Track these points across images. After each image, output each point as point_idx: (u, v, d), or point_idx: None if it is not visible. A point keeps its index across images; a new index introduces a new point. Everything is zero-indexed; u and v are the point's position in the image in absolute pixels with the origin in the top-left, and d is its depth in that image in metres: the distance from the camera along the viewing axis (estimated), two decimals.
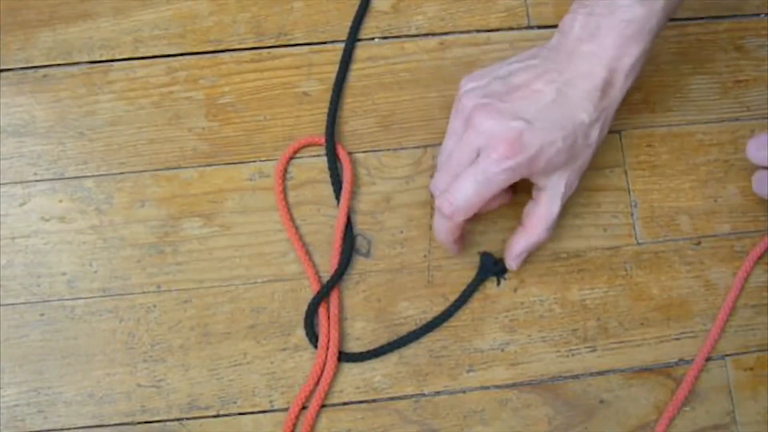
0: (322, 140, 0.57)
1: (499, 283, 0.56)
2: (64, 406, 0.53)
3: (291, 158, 0.57)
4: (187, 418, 0.53)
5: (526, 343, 0.55)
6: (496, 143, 0.47)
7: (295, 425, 0.53)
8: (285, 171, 0.57)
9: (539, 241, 0.52)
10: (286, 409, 0.53)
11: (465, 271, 0.56)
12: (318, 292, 0.54)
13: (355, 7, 0.60)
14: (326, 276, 0.55)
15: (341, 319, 0.55)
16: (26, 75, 0.58)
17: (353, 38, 0.59)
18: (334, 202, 0.56)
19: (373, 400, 0.54)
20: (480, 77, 0.51)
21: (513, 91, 0.49)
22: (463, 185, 0.48)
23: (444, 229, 0.51)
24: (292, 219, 0.56)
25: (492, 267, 0.55)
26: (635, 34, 0.48)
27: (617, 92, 0.50)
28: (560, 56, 0.50)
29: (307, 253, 0.55)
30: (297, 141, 0.57)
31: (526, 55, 0.52)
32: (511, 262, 0.54)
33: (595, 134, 0.50)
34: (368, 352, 0.54)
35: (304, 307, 0.54)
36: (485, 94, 0.50)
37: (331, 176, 0.56)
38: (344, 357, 0.54)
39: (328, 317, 0.54)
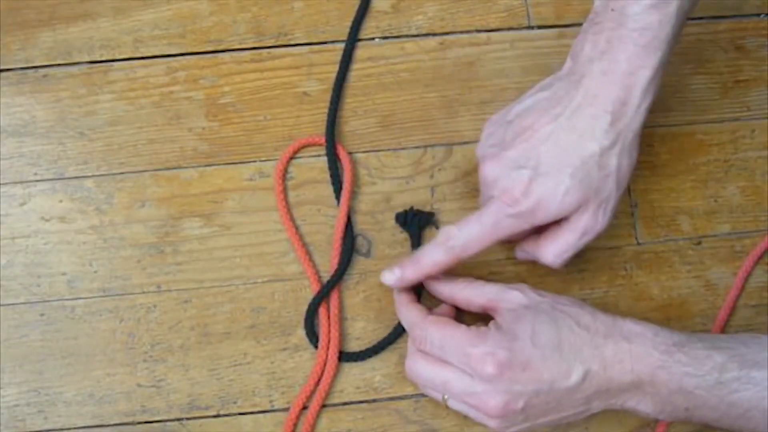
0: (322, 140, 0.57)
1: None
2: (64, 406, 0.53)
3: (291, 158, 0.57)
4: (188, 418, 0.53)
5: None
6: (502, 193, 0.48)
7: (295, 425, 0.53)
8: (285, 171, 0.57)
9: (545, 262, 0.51)
10: (286, 409, 0.53)
11: (465, 271, 0.56)
12: (318, 292, 0.54)
13: (355, 7, 0.60)
14: (326, 276, 0.55)
15: (341, 319, 0.55)
16: (26, 75, 0.58)
17: (353, 38, 0.59)
18: (334, 202, 0.56)
19: (374, 400, 0.54)
20: (495, 122, 0.51)
21: (517, 135, 0.48)
22: (470, 223, 0.49)
23: (431, 260, 0.50)
24: (292, 219, 0.56)
25: (413, 220, 0.55)
26: (650, 43, 0.45)
27: (633, 111, 0.46)
28: (570, 83, 0.47)
29: (307, 253, 0.55)
30: (297, 141, 0.57)
31: (540, 86, 0.50)
32: (518, 253, 0.54)
33: (613, 161, 0.47)
34: (368, 349, 0.54)
35: (304, 307, 0.54)
36: (491, 144, 0.50)
37: (331, 176, 0.56)
38: (344, 357, 0.54)
39: (329, 317, 0.54)
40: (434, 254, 0.50)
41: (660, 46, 0.46)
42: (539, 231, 0.51)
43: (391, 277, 0.51)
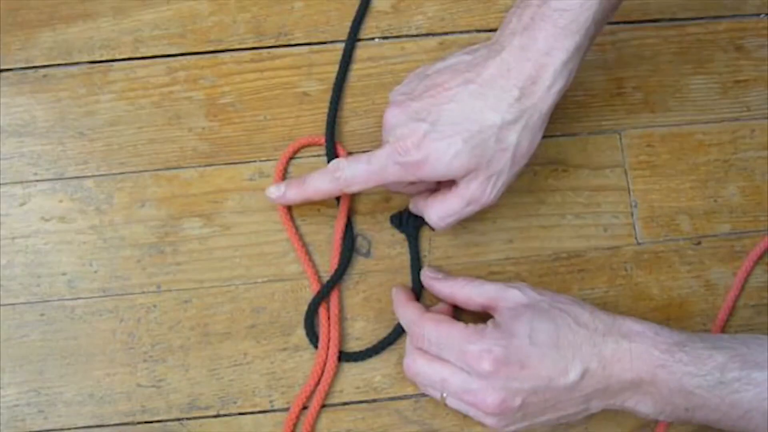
0: (322, 140, 0.57)
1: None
2: (64, 406, 0.53)
3: (291, 158, 0.57)
4: (187, 418, 0.53)
5: None
6: (395, 141, 0.48)
7: (295, 425, 0.53)
8: (285, 171, 0.56)
9: (429, 221, 0.51)
10: (286, 409, 0.53)
11: (465, 271, 0.56)
12: (318, 292, 0.54)
13: (355, 7, 0.60)
14: (326, 276, 0.55)
15: (341, 319, 0.55)
16: (26, 75, 0.58)
17: (353, 38, 0.59)
18: (334, 201, 0.56)
19: (374, 400, 0.54)
20: (419, 73, 0.52)
21: (427, 89, 0.49)
22: (360, 161, 0.50)
23: (315, 186, 0.51)
24: (292, 219, 0.56)
25: (408, 221, 0.55)
26: (568, 25, 0.45)
27: (543, 92, 0.46)
28: (490, 52, 0.47)
29: (307, 253, 0.55)
30: (297, 141, 0.57)
31: (468, 49, 0.50)
32: (411, 206, 0.55)
33: (512, 137, 0.47)
34: (368, 349, 0.54)
35: (304, 307, 0.54)
36: (402, 92, 0.50)
37: None
38: (344, 357, 0.54)
39: (329, 317, 0.54)
40: (320, 181, 0.51)
41: (578, 30, 0.45)
42: (435, 190, 0.52)
43: (275, 191, 0.53)
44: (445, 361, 0.48)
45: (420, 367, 0.49)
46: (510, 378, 0.46)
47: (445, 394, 0.49)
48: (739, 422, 0.45)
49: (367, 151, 0.50)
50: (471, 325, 0.48)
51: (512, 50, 0.46)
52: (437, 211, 0.50)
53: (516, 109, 0.46)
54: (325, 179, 0.51)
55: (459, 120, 0.47)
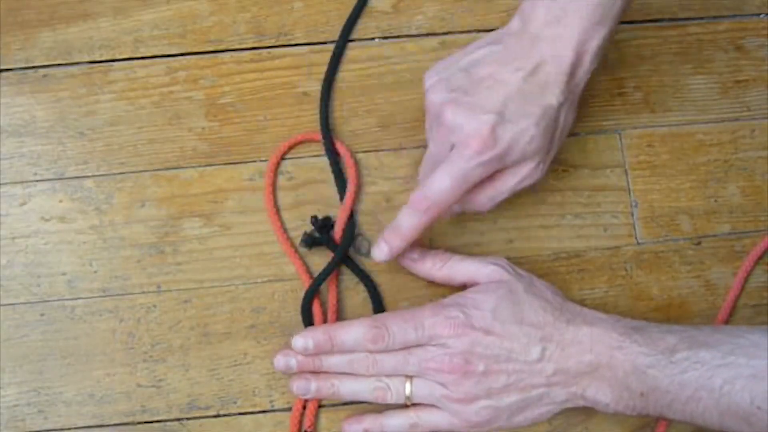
0: (318, 136, 0.57)
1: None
2: (64, 406, 0.53)
3: (284, 155, 0.57)
4: (187, 418, 0.53)
5: None
6: (469, 139, 0.48)
7: (300, 423, 0.53)
8: (277, 167, 0.56)
9: (475, 208, 0.52)
10: (286, 409, 0.53)
11: None
12: (310, 285, 0.53)
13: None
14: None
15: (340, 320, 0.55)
16: (26, 75, 0.58)
17: (345, 36, 0.59)
18: (336, 201, 0.56)
19: None
20: (443, 69, 0.52)
21: (478, 82, 0.49)
22: (438, 180, 0.49)
23: (411, 225, 0.50)
24: (278, 214, 0.55)
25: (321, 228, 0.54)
26: (601, 18, 0.48)
27: (584, 74, 0.50)
28: (524, 41, 0.49)
29: (293, 246, 0.55)
30: (293, 138, 0.57)
31: (488, 40, 0.51)
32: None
33: (563, 117, 0.50)
34: None
35: None
36: (450, 89, 0.50)
37: (333, 170, 0.56)
38: None
39: (326, 321, 0.54)
40: (412, 220, 0.50)
41: (609, 21, 0.48)
42: None
43: (381, 253, 0.51)
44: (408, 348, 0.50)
45: (382, 362, 0.50)
46: (474, 342, 0.48)
47: (408, 391, 0.50)
48: (689, 404, 0.46)
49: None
50: (430, 304, 0.50)
51: (550, 40, 0.48)
52: (487, 192, 0.51)
53: (565, 90, 0.49)
54: (416, 216, 0.50)
55: (523, 107, 0.48)
